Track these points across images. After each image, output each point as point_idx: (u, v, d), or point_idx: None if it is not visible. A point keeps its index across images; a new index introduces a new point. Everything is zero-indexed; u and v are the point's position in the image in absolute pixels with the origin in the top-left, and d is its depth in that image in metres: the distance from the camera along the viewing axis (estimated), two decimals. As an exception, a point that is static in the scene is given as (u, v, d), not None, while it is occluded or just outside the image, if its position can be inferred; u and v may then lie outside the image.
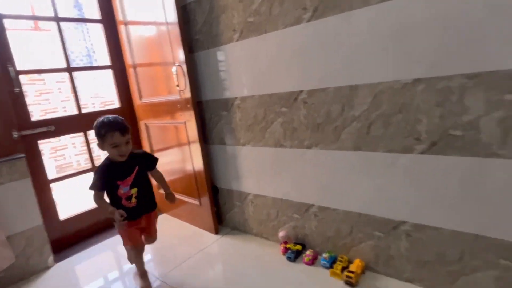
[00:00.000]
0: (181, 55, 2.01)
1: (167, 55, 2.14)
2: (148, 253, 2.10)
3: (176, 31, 1.98)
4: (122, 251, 1.95)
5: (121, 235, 1.69)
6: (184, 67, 2.01)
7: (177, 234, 2.34)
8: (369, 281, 1.55)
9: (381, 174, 1.45)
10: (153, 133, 2.62)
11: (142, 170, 1.63)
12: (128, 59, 2.56)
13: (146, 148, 2.70)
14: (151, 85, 2.46)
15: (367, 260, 1.61)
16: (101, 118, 1.51)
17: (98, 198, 1.55)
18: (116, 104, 2.72)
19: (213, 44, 1.96)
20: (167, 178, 1.89)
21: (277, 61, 1.69)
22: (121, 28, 2.50)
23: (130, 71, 2.59)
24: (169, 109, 2.30)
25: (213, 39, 1.95)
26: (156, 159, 1.74)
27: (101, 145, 1.51)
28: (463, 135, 1.21)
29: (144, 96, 2.55)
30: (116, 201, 1.57)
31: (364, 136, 1.46)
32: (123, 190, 1.56)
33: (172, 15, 1.97)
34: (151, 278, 1.80)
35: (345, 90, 1.48)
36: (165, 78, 2.26)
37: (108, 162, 1.55)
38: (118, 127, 1.48)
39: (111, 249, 2.26)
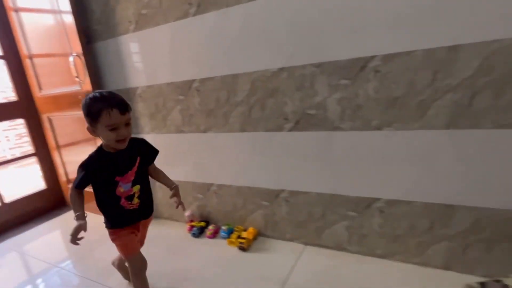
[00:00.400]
0: (78, 45, 2.00)
1: (65, 45, 2.10)
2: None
3: (71, 20, 1.96)
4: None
5: (120, 246, 1.30)
6: (82, 57, 2.01)
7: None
8: (260, 244, 1.79)
9: (262, 150, 1.69)
10: (57, 126, 2.53)
11: (143, 162, 1.29)
12: (24, 49, 2.42)
13: (52, 143, 2.60)
14: (51, 76, 2.37)
15: (259, 227, 1.85)
16: (92, 93, 1.16)
17: (75, 196, 1.20)
18: (13, 97, 2.55)
19: (111, 35, 1.99)
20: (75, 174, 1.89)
21: (170, 52, 1.81)
22: (13, 15, 2.35)
23: (27, 62, 2.45)
24: (71, 100, 2.25)
25: (111, 30, 1.98)
26: (156, 151, 1.37)
27: (93, 129, 1.16)
28: (316, 114, 1.48)
29: (45, 88, 2.44)
30: (113, 202, 1.24)
31: (247, 119, 1.68)
32: (123, 188, 1.23)
33: (65, 4, 1.95)
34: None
35: (229, 78, 1.67)
36: (65, 69, 2.20)
37: (101, 153, 1.20)
38: (115, 102, 1.12)
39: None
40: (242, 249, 1.74)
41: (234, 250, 1.77)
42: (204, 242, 1.90)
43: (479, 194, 1.25)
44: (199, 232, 1.96)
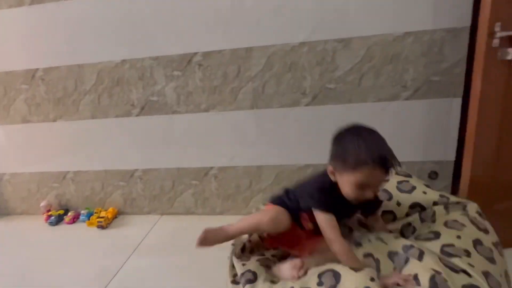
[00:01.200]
0: None
1: None
2: None
3: None
4: None
5: None
6: None
7: None
8: (120, 221, 1.96)
9: (114, 135, 1.85)
10: None
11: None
12: None
13: None
14: None
15: (119, 207, 2.02)
16: (355, 129, 0.93)
17: (335, 228, 0.92)
18: None
19: None
20: None
21: (6, 40, 1.76)
22: None
23: None
24: None
25: None
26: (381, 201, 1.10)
27: (338, 174, 0.94)
28: (158, 100, 1.74)
29: None
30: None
31: (97, 106, 1.81)
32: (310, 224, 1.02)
33: None
34: None
35: (75, 68, 1.76)
36: None
37: (331, 183, 0.97)
38: (385, 160, 0.87)
39: None
40: (101, 227, 1.88)
41: (94, 230, 1.89)
42: (63, 228, 1.95)
43: (277, 155, 1.74)
44: (57, 220, 1.99)
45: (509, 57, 1.11)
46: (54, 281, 1.48)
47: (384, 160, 0.85)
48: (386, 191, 1.19)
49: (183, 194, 1.91)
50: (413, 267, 0.76)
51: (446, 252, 0.80)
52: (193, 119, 1.74)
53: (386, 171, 0.87)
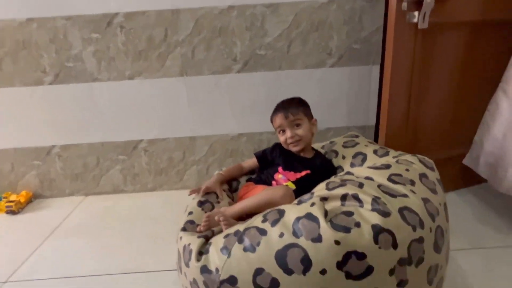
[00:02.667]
0: None
1: None
2: None
3: None
4: None
5: None
6: None
7: None
8: (36, 205, 1.75)
9: (23, 106, 1.63)
10: None
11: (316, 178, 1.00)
12: None
13: None
14: None
15: (34, 189, 1.79)
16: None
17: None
18: None
19: None
20: None
21: None
22: None
23: None
24: None
25: None
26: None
27: None
28: (75, 66, 1.57)
29: None
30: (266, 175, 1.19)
31: (0, 72, 1.57)
32: (280, 176, 1.15)
33: None
34: None
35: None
36: None
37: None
38: (282, 105, 1.19)
39: None
40: (12, 212, 1.65)
41: (2, 216, 1.65)
42: (-38, 218, 1.67)
43: (210, 125, 1.69)
44: (-46, 209, 1.70)
45: (415, 20, 1.22)
46: None
47: (281, 106, 1.18)
48: (333, 151, 1.23)
49: (110, 171, 1.77)
50: (351, 190, 0.78)
51: (392, 180, 0.82)
52: (117, 87, 1.61)
53: (285, 115, 1.14)
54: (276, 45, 1.56)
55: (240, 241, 0.75)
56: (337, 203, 0.77)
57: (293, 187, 1.02)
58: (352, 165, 1.11)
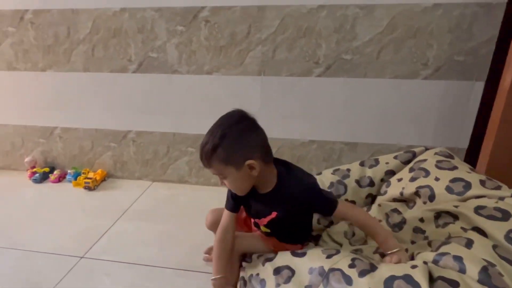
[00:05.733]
0: None
1: None
2: None
3: None
4: None
5: None
6: None
7: None
8: (109, 184, 1.86)
9: (107, 92, 1.72)
10: None
11: (287, 217, 0.92)
12: None
13: None
14: None
15: (108, 169, 1.91)
16: None
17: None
18: None
19: None
20: None
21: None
22: None
23: None
24: None
25: None
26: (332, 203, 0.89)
27: None
28: (158, 57, 1.60)
29: None
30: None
31: (90, 58, 1.66)
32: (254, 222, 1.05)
33: None
34: None
35: (68, 13, 1.59)
36: None
37: None
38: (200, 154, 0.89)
39: None
40: (88, 188, 1.78)
41: (80, 190, 1.79)
42: (49, 186, 1.84)
43: (281, 127, 1.63)
44: (42, 178, 1.88)
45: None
46: (35, 239, 1.39)
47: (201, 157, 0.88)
48: (423, 169, 1.04)
49: (177, 161, 1.81)
50: (455, 250, 0.66)
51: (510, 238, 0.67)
52: (194, 81, 1.61)
53: (205, 165, 0.87)
54: (364, 50, 1.43)
55: (326, 284, 0.68)
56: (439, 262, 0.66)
57: (268, 230, 0.96)
58: (449, 190, 0.94)
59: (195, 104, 1.66)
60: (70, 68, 1.70)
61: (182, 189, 1.80)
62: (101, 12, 1.57)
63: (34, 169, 1.91)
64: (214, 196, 1.72)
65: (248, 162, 0.81)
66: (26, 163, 1.92)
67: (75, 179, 1.85)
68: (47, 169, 1.91)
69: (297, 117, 1.60)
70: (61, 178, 1.89)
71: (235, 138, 0.81)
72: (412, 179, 1.00)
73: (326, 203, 0.88)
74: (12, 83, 1.79)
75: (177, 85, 1.64)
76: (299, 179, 0.90)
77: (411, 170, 1.05)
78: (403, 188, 1.01)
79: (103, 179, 1.88)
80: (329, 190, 1.06)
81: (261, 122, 1.61)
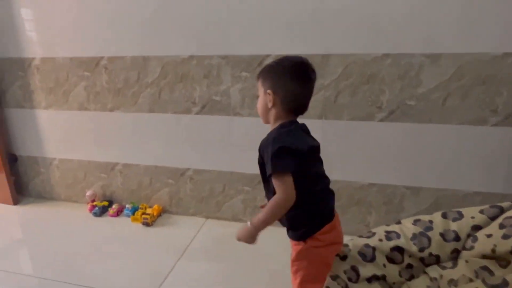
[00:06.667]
0: (-44, 1, 1.74)
1: None
2: None
3: None
4: None
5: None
6: (-38, 16, 1.76)
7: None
8: (164, 220, 1.91)
9: (170, 131, 1.80)
10: None
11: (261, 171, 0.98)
12: None
13: None
14: None
15: (164, 205, 1.96)
16: None
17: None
18: None
19: (2, -4, 1.80)
20: None
21: (74, 25, 1.75)
22: None
23: None
24: None
25: (2, -10, 1.79)
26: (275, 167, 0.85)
27: None
28: (221, 100, 1.68)
29: None
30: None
31: (157, 100, 1.77)
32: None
33: None
34: None
35: (139, 60, 1.72)
36: None
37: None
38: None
39: None
40: (146, 224, 1.83)
41: (138, 226, 1.84)
42: (107, 220, 1.91)
43: (339, 171, 1.64)
44: (101, 212, 1.95)
45: None
46: (102, 277, 1.43)
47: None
48: None
49: (233, 199, 1.84)
50: None
51: None
52: (254, 123, 1.67)
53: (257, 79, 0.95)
54: (429, 97, 1.44)
55: None
56: None
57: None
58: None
59: (253, 145, 1.70)
60: (136, 109, 1.81)
61: (237, 227, 1.81)
62: (170, 59, 1.68)
63: (94, 203, 1.99)
64: (268, 236, 1.72)
65: (269, 91, 0.89)
66: (87, 196, 2.01)
67: (133, 213, 1.91)
68: (106, 203, 1.99)
69: (357, 160, 1.60)
70: (119, 212, 1.96)
71: (279, 70, 0.90)
72: (505, 237, 0.96)
73: (269, 161, 0.84)
74: (81, 122, 1.92)
75: (237, 127, 1.70)
76: (276, 132, 0.90)
77: (501, 226, 1.01)
78: (494, 245, 0.97)
79: (159, 215, 1.93)
80: (288, 158, 0.84)
81: (329, 163, 1.61)
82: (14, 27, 1.83)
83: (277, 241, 1.66)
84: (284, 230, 1.04)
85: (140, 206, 1.94)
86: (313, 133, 1.59)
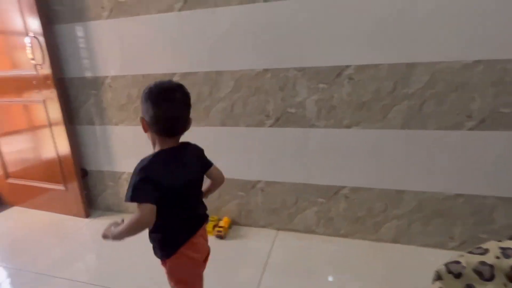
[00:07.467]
0: (36, 25, 1.83)
1: (14, 23, 1.89)
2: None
3: (29, -3, 1.79)
4: None
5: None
6: (41, 39, 1.85)
7: (38, 225, 2.13)
8: (235, 232, 1.91)
9: (242, 145, 1.81)
10: (-4, 113, 2.23)
11: None
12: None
13: (-14, 131, 2.29)
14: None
15: (233, 216, 1.97)
16: None
17: None
18: None
19: (77, 19, 1.87)
20: (23, 165, 1.73)
21: (149, 43, 1.79)
22: None
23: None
24: (19, 85, 2.03)
25: (78, 13, 1.86)
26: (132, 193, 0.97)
27: None
28: (296, 112, 1.67)
29: (-19, 69, 2.14)
30: None
31: (229, 114, 1.78)
32: None
33: (22, -21, 1.76)
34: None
35: (212, 75, 1.74)
36: (11, 49, 1.99)
37: None
38: None
39: None
40: (220, 237, 1.84)
41: (211, 238, 1.85)
42: (179, 233, 1.93)
43: (422, 180, 1.59)
44: (172, 224, 1.98)
45: None
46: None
47: None
48: None
49: (305, 211, 1.82)
50: None
51: None
52: (331, 134, 1.65)
53: None
54: (526, 103, 1.37)
55: None
56: None
57: None
58: None
59: (329, 156, 1.69)
60: (207, 123, 1.83)
61: (311, 240, 1.79)
62: (244, 73, 1.69)
63: (164, 215, 2.02)
64: (346, 250, 1.70)
65: (140, 117, 0.96)
66: (157, 209, 2.05)
67: (203, 226, 1.92)
68: (175, 216, 2.02)
69: (442, 170, 1.55)
70: (189, 225, 1.98)
71: (144, 97, 0.93)
72: None
73: (130, 187, 0.90)
74: (152, 136, 1.96)
75: (313, 138, 1.68)
76: (147, 161, 0.94)
77: None
78: None
79: (229, 227, 1.94)
80: (149, 189, 0.90)
81: (399, 174, 1.58)
82: (89, 48, 1.90)
83: (356, 254, 1.64)
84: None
85: (210, 219, 1.96)
86: (393, 143, 1.56)
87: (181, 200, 0.99)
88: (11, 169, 2.32)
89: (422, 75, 1.45)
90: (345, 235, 1.78)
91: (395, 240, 1.71)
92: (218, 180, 1.17)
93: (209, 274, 1.59)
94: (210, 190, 1.18)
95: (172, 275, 1.05)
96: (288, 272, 1.56)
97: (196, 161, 1.06)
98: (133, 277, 1.57)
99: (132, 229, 0.91)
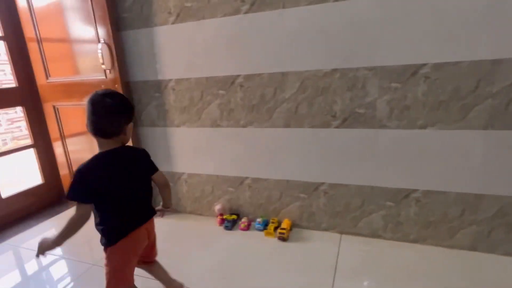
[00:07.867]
0: (107, 32, 1.93)
1: (88, 31, 2.00)
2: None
3: (102, 6, 1.88)
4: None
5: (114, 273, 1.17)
6: (111, 45, 1.94)
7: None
8: (297, 235, 1.89)
9: (306, 146, 1.79)
10: (64, 116, 2.37)
11: None
12: (29, 31, 2.23)
13: (55, 133, 2.43)
14: (64, 63, 2.22)
15: (294, 219, 1.95)
16: None
17: None
18: (10, 82, 2.33)
19: (144, 25, 1.94)
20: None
21: (213, 46, 1.83)
22: (20, -5, 2.16)
23: (32, 45, 2.26)
24: (90, 89, 2.12)
25: (145, 20, 1.93)
26: (69, 193, 1.13)
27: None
28: (365, 113, 1.63)
29: (54, 75, 2.28)
30: None
31: (293, 115, 1.77)
32: None
33: (95, -12, 1.86)
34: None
35: (278, 76, 1.74)
36: (85, 55, 2.10)
37: None
38: None
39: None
40: (282, 239, 1.82)
41: (273, 240, 1.85)
42: (240, 234, 1.94)
43: (506, 185, 1.49)
44: (232, 225, 2.00)
45: None
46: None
47: None
48: None
49: (372, 215, 1.76)
50: None
51: None
52: (402, 135, 1.59)
53: None
54: None
55: None
56: None
57: None
58: None
59: (400, 158, 1.63)
60: (270, 124, 1.83)
61: (378, 244, 1.73)
62: (311, 74, 1.68)
63: (224, 216, 2.05)
64: (418, 256, 1.62)
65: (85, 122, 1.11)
66: (217, 210, 2.07)
67: (264, 227, 1.92)
68: (235, 217, 2.03)
69: (530, 173, 1.44)
70: (249, 226, 1.99)
71: (86, 104, 1.09)
72: None
73: (70, 186, 1.04)
74: (212, 138, 1.99)
75: (382, 139, 1.63)
76: (87, 162, 1.08)
77: None
78: None
79: (290, 229, 1.92)
80: (84, 189, 1.05)
81: (480, 177, 1.48)
82: (155, 53, 1.97)
83: (432, 260, 1.57)
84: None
85: (271, 221, 1.95)
86: (472, 145, 1.48)
87: (119, 199, 1.11)
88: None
89: (509, 72, 1.37)
90: (415, 241, 1.71)
91: (472, 248, 1.62)
92: (162, 184, 1.29)
93: (278, 275, 1.59)
94: (163, 197, 1.33)
95: (109, 260, 1.16)
96: (361, 276, 1.51)
97: (138, 164, 1.18)
98: (213, 279, 1.59)
99: (72, 228, 1.05)
